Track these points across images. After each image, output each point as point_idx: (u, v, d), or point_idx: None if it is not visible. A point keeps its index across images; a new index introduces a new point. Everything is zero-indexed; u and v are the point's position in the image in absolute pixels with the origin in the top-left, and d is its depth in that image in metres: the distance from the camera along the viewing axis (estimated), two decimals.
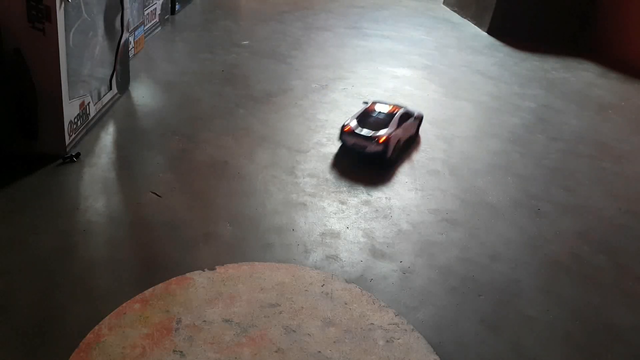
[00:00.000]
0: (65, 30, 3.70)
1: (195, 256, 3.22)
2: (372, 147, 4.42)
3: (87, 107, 4.31)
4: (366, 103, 5.07)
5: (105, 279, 2.99)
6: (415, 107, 5.23)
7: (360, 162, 4.51)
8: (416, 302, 3.09)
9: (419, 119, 5.08)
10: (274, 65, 6.55)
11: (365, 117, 4.66)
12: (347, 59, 7.15)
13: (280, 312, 2.86)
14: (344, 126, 4.59)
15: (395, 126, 4.55)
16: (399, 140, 4.58)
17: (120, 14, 4.77)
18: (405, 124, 4.72)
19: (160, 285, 2.95)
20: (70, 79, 3.88)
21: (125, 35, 4.99)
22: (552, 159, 5.10)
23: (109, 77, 4.76)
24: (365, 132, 4.46)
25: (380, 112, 4.72)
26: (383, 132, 4.44)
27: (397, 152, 4.62)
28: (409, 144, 4.87)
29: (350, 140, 4.52)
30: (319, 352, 2.66)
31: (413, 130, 4.98)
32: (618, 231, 4.07)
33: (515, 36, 9.00)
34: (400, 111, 4.74)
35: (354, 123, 4.58)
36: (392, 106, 4.84)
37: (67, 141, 4.02)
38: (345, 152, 4.65)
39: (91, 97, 4.39)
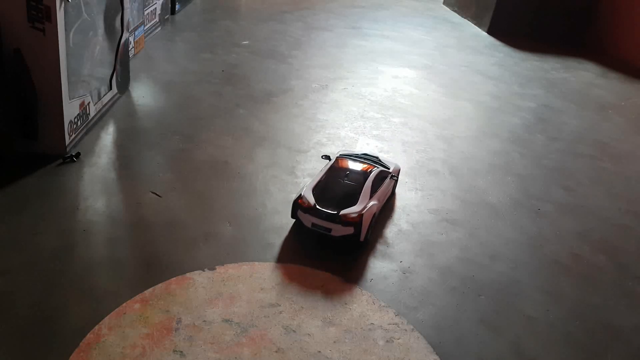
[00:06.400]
0: (65, 30, 3.70)
1: (195, 256, 3.23)
2: (339, 230, 3.24)
3: (87, 107, 4.31)
4: (327, 157, 3.89)
5: (105, 279, 2.99)
6: (390, 159, 4.20)
7: (322, 247, 3.37)
8: (416, 302, 3.09)
9: (396, 174, 3.98)
10: (274, 65, 6.56)
11: (329, 184, 3.48)
12: (347, 59, 7.16)
13: (280, 312, 2.86)
14: (298, 198, 3.37)
15: (368, 196, 3.38)
16: (374, 215, 3.38)
17: (120, 14, 4.77)
18: (380, 189, 3.57)
19: (160, 285, 2.95)
20: (70, 79, 3.88)
21: (125, 35, 4.99)
22: (552, 158, 5.10)
23: (109, 77, 4.77)
24: (328, 208, 3.27)
25: (347, 174, 3.54)
26: (353, 210, 3.26)
27: (372, 230, 3.47)
28: (384, 208, 3.85)
29: (309, 220, 3.30)
30: (319, 352, 2.66)
31: (389, 192, 3.88)
32: (618, 231, 4.07)
33: (515, 36, 9.00)
34: (374, 172, 3.59)
35: (310, 195, 3.35)
36: (362, 163, 3.70)
37: (67, 141, 4.03)
38: (302, 232, 3.47)
39: (91, 97, 4.39)
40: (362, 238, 3.31)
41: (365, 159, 3.85)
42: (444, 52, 8.01)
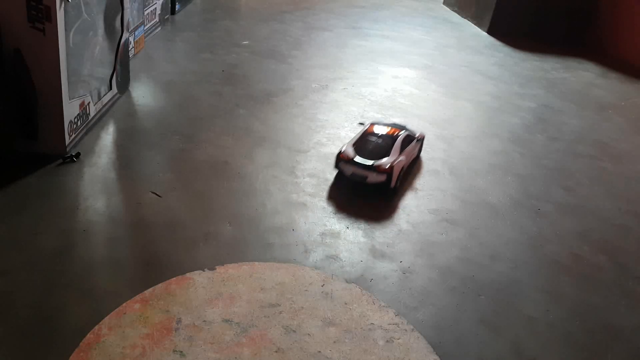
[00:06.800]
0: (65, 30, 3.70)
1: (195, 256, 3.23)
2: (373, 177, 3.95)
3: (87, 107, 4.31)
4: (362, 124, 4.76)
5: (105, 279, 2.99)
6: (416, 127, 4.88)
7: (360, 192, 4.06)
8: (416, 302, 3.09)
9: (421, 140, 4.67)
10: (274, 65, 6.56)
11: (364, 142, 4.17)
12: (347, 59, 7.16)
13: (280, 312, 2.86)
14: (340, 153, 4.11)
15: (397, 152, 4.08)
16: (402, 168, 4.11)
17: (120, 14, 4.77)
18: (407, 149, 4.24)
19: (160, 285, 2.95)
20: (70, 79, 3.88)
21: (125, 35, 4.99)
22: (552, 158, 5.10)
23: (109, 77, 4.77)
24: (365, 160, 3.98)
25: (380, 136, 4.23)
26: (386, 161, 3.97)
27: (401, 180, 4.20)
28: (411, 168, 4.55)
29: (349, 170, 4.02)
30: (319, 352, 2.66)
31: (415, 153, 4.56)
32: (618, 231, 4.07)
33: (515, 36, 9.00)
34: (402, 134, 4.27)
35: (351, 150, 4.09)
36: (392, 128, 4.39)
37: (67, 141, 4.03)
38: (342, 181, 4.18)
39: (91, 97, 4.39)
40: (392, 185, 3.99)
41: (394, 125, 4.52)
42: (444, 52, 8.01)
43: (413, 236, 3.68)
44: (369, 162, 3.95)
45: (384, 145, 4.13)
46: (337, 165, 4.14)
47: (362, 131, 4.35)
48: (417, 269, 3.36)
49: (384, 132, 4.29)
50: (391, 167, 3.93)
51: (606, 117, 6.32)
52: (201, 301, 2.87)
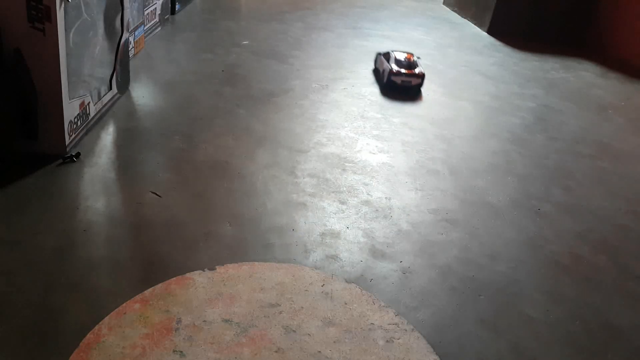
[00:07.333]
0: (65, 30, 3.70)
1: (195, 256, 3.23)
2: (415, 81, 6.08)
3: (87, 107, 4.31)
4: (380, 54, 6.59)
5: (105, 279, 2.99)
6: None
7: (401, 94, 6.03)
8: (416, 302, 3.09)
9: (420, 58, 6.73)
10: (275, 65, 6.56)
11: (399, 62, 6.16)
12: (348, 59, 7.16)
13: (280, 312, 2.86)
14: (390, 70, 6.04)
15: (420, 66, 6.26)
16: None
17: (120, 14, 4.77)
18: (420, 63, 6.42)
19: (160, 285, 2.95)
20: (70, 79, 3.88)
21: (125, 35, 4.99)
22: (551, 158, 5.10)
23: (109, 77, 4.77)
24: (407, 71, 6.05)
25: (405, 58, 6.23)
26: (419, 69, 6.15)
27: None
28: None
29: (399, 79, 6.04)
30: (319, 352, 2.66)
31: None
32: (618, 231, 4.07)
33: (515, 36, 9.00)
34: (415, 55, 6.45)
35: (396, 66, 6.08)
36: (407, 53, 6.38)
37: (67, 141, 4.03)
38: (389, 89, 6.10)
39: (91, 97, 4.40)
40: (422, 85, 6.18)
41: (406, 51, 6.53)
42: (444, 52, 8.01)
43: (413, 236, 3.68)
44: (411, 72, 6.06)
45: (411, 62, 6.20)
46: (388, 79, 6.07)
47: (393, 57, 6.25)
48: (417, 269, 3.36)
49: (406, 56, 6.29)
50: (423, 73, 6.14)
51: (606, 117, 6.32)
52: (201, 301, 2.87)
